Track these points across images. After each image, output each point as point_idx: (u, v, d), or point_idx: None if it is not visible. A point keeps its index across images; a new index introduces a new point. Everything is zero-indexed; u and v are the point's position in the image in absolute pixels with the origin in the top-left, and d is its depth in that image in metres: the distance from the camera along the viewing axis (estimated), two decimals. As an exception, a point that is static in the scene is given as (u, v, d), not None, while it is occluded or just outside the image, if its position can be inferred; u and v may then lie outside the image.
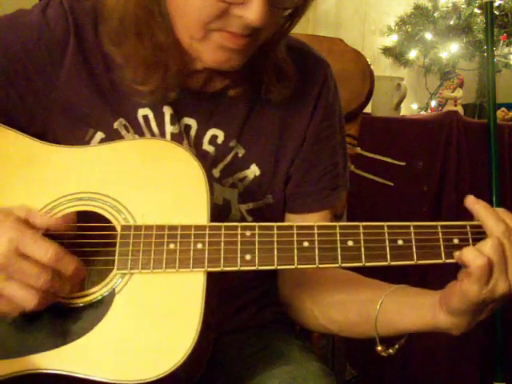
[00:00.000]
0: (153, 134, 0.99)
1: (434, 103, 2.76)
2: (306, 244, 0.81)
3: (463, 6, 2.65)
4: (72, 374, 0.77)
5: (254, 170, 1.03)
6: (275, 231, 0.82)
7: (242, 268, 0.81)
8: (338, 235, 0.82)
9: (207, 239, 0.81)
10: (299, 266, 0.81)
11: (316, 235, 0.82)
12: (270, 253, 0.81)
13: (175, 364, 0.76)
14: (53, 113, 0.97)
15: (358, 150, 1.60)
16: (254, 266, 0.81)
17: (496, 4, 2.57)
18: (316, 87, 1.06)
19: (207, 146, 1.01)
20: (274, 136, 1.04)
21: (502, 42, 2.63)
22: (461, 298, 0.81)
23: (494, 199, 2.16)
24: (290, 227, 0.83)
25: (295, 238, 0.82)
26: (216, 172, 1.01)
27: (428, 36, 2.73)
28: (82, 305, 0.81)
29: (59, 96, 0.97)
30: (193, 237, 0.81)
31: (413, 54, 2.82)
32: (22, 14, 0.98)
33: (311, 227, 0.83)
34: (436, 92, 2.77)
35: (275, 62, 0.98)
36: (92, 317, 0.80)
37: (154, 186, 0.86)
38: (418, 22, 2.73)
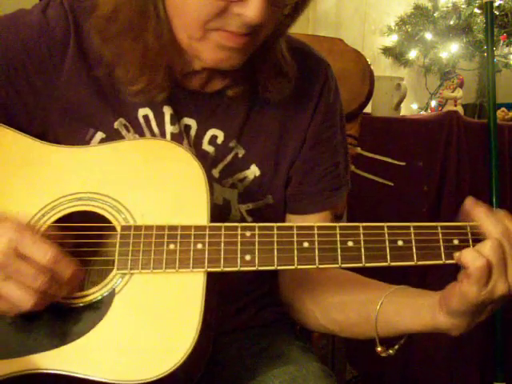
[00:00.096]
0: (153, 134, 0.98)
1: (433, 103, 2.76)
2: (305, 244, 0.81)
3: (463, 6, 2.65)
4: (72, 374, 0.77)
5: (253, 171, 1.03)
6: (275, 231, 0.82)
7: (242, 268, 0.81)
8: (338, 236, 0.82)
9: (207, 239, 0.81)
10: (299, 267, 0.81)
11: (316, 236, 0.82)
12: (269, 253, 0.81)
13: (175, 364, 0.76)
14: (53, 112, 0.97)
15: (358, 150, 1.60)
16: (254, 266, 0.81)
17: (496, 4, 2.57)
18: (317, 87, 1.06)
19: (207, 146, 1.01)
20: (275, 136, 1.04)
21: (502, 41, 2.63)
22: (460, 299, 0.81)
23: (494, 199, 2.16)
24: (290, 228, 0.83)
25: (295, 239, 0.82)
26: (216, 172, 1.01)
27: (428, 36, 2.73)
28: (81, 305, 0.82)
29: (59, 96, 0.97)
30: (193, 237, 0.81)
31: (413, 54, 2.82)
32: (22, 13, 0.98)
33: (311, 228, 0.83)
34: (436, 92, 2.77)
35: (275, 61, 0.98)
36: (92, 317, 0.80)
37: (154, 186, 0.86)
38: (418, 21, 2.73)
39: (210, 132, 1.01)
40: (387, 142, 2.24)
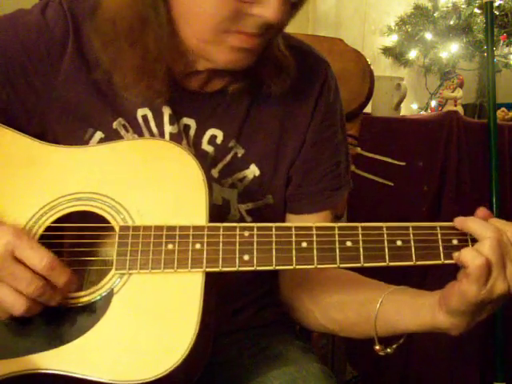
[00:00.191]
0: (152, 134, 0.98)
1: (434, 103, 2.76)
2: (304, 244, 0.81)
3: (463, 6, 2.65)
4: (70, 374, 0.77)
5: (253, 170, 1.03)
6: (274, 232, 0.82)
7: (241, 268, 0.81)
8: (337, 236, 0.82)
9: (206, 239, 0.81)
10: (297, 267, 0.81)
11: (314, 236, 0.82)
12: (268, 253, 0.81)
13: (173, 364, 0.76)
14: (52, 112, 0.97)
15: (358, 150, 1.60)
16: (253, 266, 0.81)
17: (496, 4, 2.56)
18: (316, 86, 1.06)
19: (206, 146, 1.01)
20: (274, 136, 1.04)
21: (502, 41, 2.63)
22: (459, 299, 0.81)
23: (494, 199, 2.16)
24: (289, 228, 0.83)
25: (293, 239, 0.82)
26: (215, 172, 1.01)
27: (428, 36, 2.72)
28: (80, 305, 0.81)
29: (58, 96, 0.97)
30: (191, 237, 0.81)
31: (413, 54, 2.82)
32: (21, 14, 0.98)
33: (310, 228, 0.82)
34: (436, 92, 2.77)
35: (274, 57, 0.98)
36: (90, 317, 0.80)
37: (153, 186, 0.86)
38: (418, 21, 2.73)
39: (210, 132, 1.01)
40: (387, 142, 2.23)
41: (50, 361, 0.78)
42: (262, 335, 1.07)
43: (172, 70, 0.95)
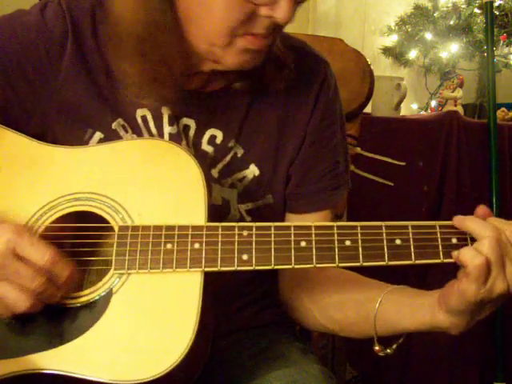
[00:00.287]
0: (151, 135, 0.98)
1: (434, 103, 2.76)
2: (303, 244, 0.81)
3: (463, 6, 2.65)
4: (69, 374, 0.77)
5: (253, 170, 1.03)
6: (272, 231, 0.82)
7: (239, 268, 0.81)
8: (336, 235, 0.82)
9: (204, 239, 0.81)
10: (296, 266, 0.81)
11: (313, 235, 0.82)
12: (267, 253, 0.81)
13: (172, 364, 0.76)
14: (51, 113, 0.97)
15: (358, 150, 1.60)
16: (251, 265, 0.81)
17: (496, 4, 2.56)
18: (316, 85, 1.06)
19: (206, 147, 1.01)
20: (274, 135, 1.04)
21: (502, 41, 2.63)
22: (459, 298, 0.81)
23: (494, 199, 2.16)
24: (288, 227, 0.83)
25: (292, 238, 0.82)
26: (215, 172, 1.01)
27: (428, 36, 2.72)
28: (79, 305, 0.82)
29: (58, 96, 0.97)
30: (190, 237, 0.81)
31: (413, 54, 2.82)
32: (20, 14, 0.98)
33: (309, 227, 0.82)
34: (436, 92, 2.77)
35: (274, 54, 0.98)
36: (89, 317, 0.80)
37: (152, 186, 0.86)
38: (418, 21, 2.73)
39: (209, 132, 1.01)
40: (387, 142, 2.24)
41: (49, 360, 0.78)
42: (262, 336, 1.07)
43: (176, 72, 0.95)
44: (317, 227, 0.82)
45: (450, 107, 2.49)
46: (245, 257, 0.81)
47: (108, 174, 0.88)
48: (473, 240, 0.82)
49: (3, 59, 0.95)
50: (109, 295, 0.81)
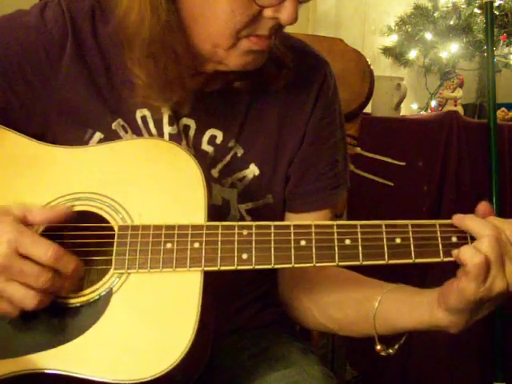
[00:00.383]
0: (151, 135, 0.98)
1: (434, 103, 2.76)
2: (303, 243, 0.81)
3: (463, 6, 2.65)
4: (69, 374, 0.77)
5: (253, 170, 1.03)
6: (272, 230, 0.82)
7: (239, 267, 0.81)
8: (336, 234, 0.82)
9: (204, 238, 0.81)
10: (296, 265, 0.81)
11: (313, 234, 0.82)
12: (266, 252, 0.81)
13: (171, 364, 0.76)
14: (51, 113, 0.97)
15: (358, 150, 1.60)
16: (251, 265, 0.81)
17: (496, 4, 2.56)
18: (315, 85, 1.06)
19: (206, 146, 1.01)
20: (273, 135, 1.04)
21: (502, 41, 2.62)
22: (458, 297, 0.80)
23: (494, 199, 2.16)
24: (287, 226, 0.83)
25: (292, 237, 0.82)
26: (215, 172, 1.01)
27: (428, 36, 2.72)
28: (79, 304, 0.82)
29: (58, 96, 0.97)
30: (190, 236, 0.81)
31: (413, 54, 2.82)
32: (20, 14, 0.98)
33: (308, 226, 0.82)
34: (436, 92, 2.77)
35: (274, 54, 0.98)
36: (89, 316, 0.80)
37: (152, 185, 0.86)
38: (418, 22, 2.73)
39: (209, 132, 1.01)
40: (387, 142, 2.24)
41: (49, 360, 0.78)
42: (262, 336, 1.07)
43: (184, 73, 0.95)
44: (316, 226, 0.82)
45: (449, 107, 2.49)
46: (245, 256, 0.81)
47: (108, 173, 0.88)
48: (473, 239, 0.81)
49: (3, 60, 0.95)
50: (109, 295, 0.81)
